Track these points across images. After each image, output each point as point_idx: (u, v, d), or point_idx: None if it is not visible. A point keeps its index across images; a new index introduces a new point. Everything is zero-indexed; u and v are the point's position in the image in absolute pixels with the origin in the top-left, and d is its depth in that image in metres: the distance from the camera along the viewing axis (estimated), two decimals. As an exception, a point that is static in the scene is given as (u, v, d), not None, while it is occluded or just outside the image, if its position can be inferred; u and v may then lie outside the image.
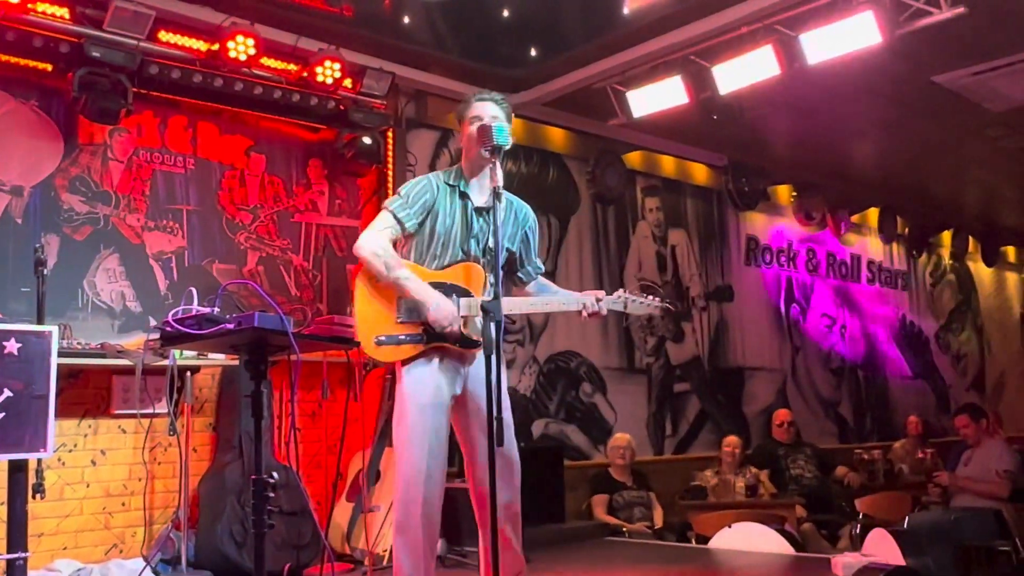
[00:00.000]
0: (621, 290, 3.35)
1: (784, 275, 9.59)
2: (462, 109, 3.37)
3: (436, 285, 3.18)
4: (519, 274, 3.49)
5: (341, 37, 5.76)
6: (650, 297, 3.33)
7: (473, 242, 3.28)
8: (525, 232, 3.46)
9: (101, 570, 4.65)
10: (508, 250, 3.37)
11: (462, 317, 3.15)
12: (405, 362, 3.19)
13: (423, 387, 3.17)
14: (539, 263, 3.55)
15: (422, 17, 5.82)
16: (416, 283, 3.16)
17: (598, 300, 3.27)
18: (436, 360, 3.19)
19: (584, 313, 3.27)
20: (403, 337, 3.15)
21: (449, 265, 3.26)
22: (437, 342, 3.18)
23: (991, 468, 6.14)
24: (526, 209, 3.49)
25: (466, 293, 3.20)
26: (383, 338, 3.15)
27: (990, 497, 5.94)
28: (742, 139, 8.05)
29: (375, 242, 3.20)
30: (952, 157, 8.93)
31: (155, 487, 5.10)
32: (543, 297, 3.46)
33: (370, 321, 3.18)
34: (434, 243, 3.27)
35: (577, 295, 3.38)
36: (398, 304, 3.18)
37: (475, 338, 3.16)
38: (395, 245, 3.27)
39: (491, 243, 3.20)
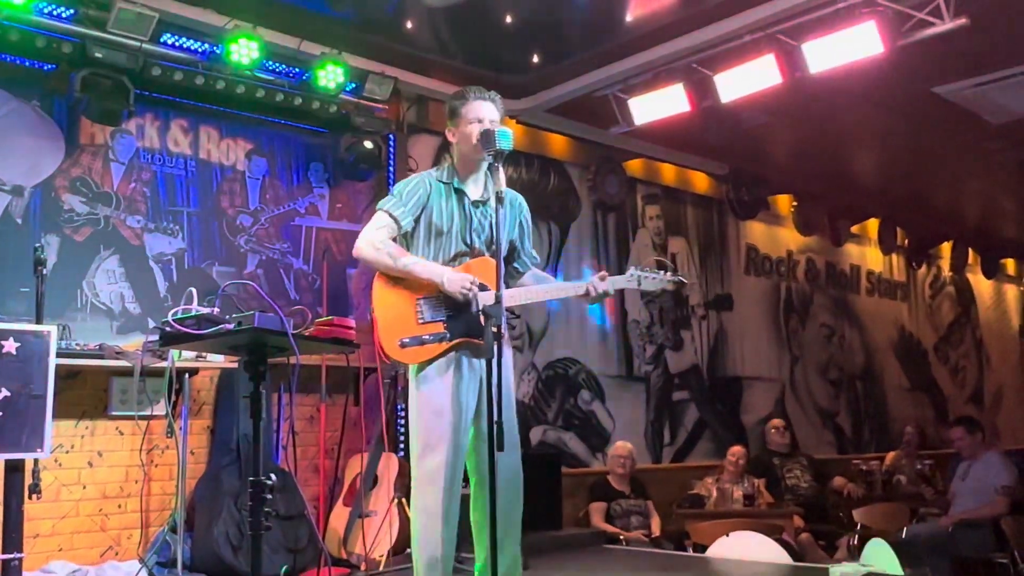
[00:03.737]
0: (633, 267, 3.28)
1: (783, 285, 9.59)
2: (456, 105, 3.31)
3: None
4: (515, 264, 3.45)
5: (344, 41, 5.76)
6: (663, 273, 3.24)
7: (475, 236, 3.26)
8: (521, 221, 3.42)
9: (96, 572, 4.64)
10: (509, 240, 3.33)
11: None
12: (421, 366, 3.14)
13: (441, 391, 3.11)
14: (534, 253, 3.51)
15: (425, 22, 5.82)
16: (424, 265, 3.14)
17: (602, 280, 3.21)
18: (454, 361, 3.14)
19: (590, 293, 3.20)
20: (427, 337, 3.11)
21: (454, 258, 3.23)
22: (461, 338, 3.13)
23: (989, 484, 6.10)
24: (519, 198, 3.45)
25: (483, 287, 3.12)
26: (407, 340, 3.10)
27: (990, 518, 5.92)
28: (743, 148, 8.06)
29: (374, 237, 3.17)
30: (952, 169, 8.93)
31: (152, 489, 5.08)
32: (544, 285, 3.39)
33: (392, 325, 3.13)
34: (432, 239, 3.23)
35: (579, 282, 3.31)
36: (418, 305, 3.14)
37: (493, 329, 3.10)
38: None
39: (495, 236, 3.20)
